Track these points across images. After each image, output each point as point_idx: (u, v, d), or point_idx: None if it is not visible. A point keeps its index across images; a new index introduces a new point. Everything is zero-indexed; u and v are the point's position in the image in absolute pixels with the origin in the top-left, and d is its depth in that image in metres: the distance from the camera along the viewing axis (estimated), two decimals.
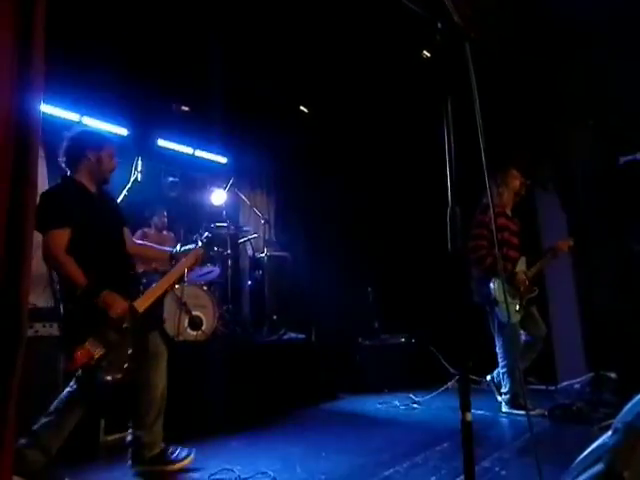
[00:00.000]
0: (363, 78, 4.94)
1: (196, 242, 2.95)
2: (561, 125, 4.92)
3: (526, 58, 4.60)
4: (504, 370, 3.73)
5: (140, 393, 2.61)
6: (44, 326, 3.04)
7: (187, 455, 2.69)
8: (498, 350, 3.78)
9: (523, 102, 4.87)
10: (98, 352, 2.30)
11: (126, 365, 2.39)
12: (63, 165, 2.65)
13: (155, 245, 3.30)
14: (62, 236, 2.39)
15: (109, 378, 2.35)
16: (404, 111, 5.28)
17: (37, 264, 4.32)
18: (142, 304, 2.52)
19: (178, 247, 2.94)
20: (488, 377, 4.01)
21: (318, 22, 4.22)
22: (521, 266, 3.83)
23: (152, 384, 2.62)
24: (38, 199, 2.34)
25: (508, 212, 3.95)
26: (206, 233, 3.06)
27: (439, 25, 1.34)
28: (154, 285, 2.67)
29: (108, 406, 3.14)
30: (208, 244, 2.96)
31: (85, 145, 2.62)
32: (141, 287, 2.97)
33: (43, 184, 4.49)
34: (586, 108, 4.65)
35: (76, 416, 2.48)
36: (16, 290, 1.27)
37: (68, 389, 2.50)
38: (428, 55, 4.50)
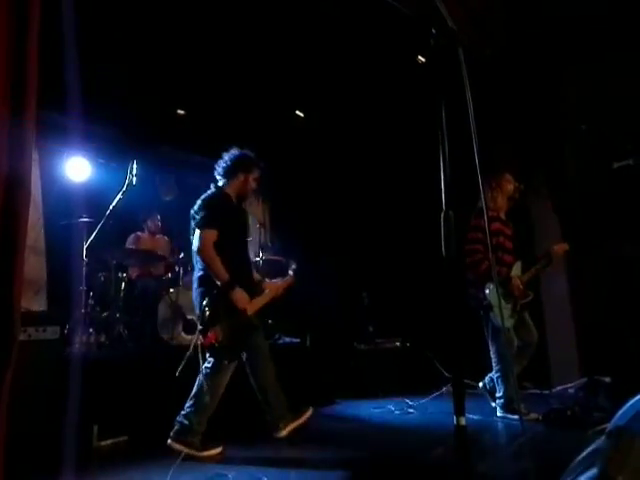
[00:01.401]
0: (358, 83, 4.96)
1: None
2: (554, 130, 4.96)
3: (520, 63, 4.64)
4: (498, 375, 3.73)
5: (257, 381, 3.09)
6: (37, 330, 3.02)
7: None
8: (492, 355, 3.78)
9: (517, 107, 4.90)
10: (222, 336, 2.81)
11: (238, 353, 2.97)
12: (217, 175, 3.21)
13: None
14: (212, 235, 2.93)
15: (226, 362, 2.93)
16: (399, 116, 5.30)
17: (30, 268, 4.32)
18: (251, 308, 3.02)
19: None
20: (480, 384, 3.99)
21: (314, 27, 4.24)
22: (516, 271, 3.84)
23: (264, 374, 3.12)
24: (199, 203, 3.02)
25: (502, 216, 3.96)
26: (293, 265, 3.91)
27: (433, 30, 1.35)
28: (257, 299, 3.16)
29: (101, 412, 3.13)
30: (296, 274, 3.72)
31: (240, 166, 3.19)
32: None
33: (36, 187, 4.49)
34: (579, 113, 4.69)
35: (218, 386, 2.96)
36: (8, 294, 1.26)
37: (200, 373, 2.93)
38: (423, 60, 4.52)
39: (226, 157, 3.21)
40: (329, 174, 6.04)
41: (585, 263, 4.57)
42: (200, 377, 2.92)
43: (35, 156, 4.29)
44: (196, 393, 2.94)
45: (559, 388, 4.21)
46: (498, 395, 3.73)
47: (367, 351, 5.18)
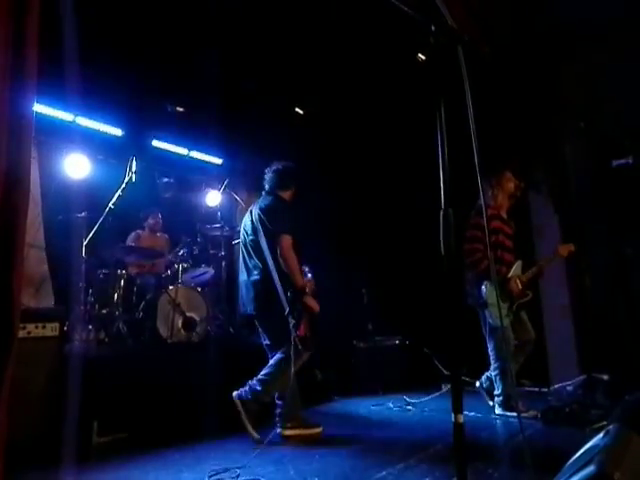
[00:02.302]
0: (358, 80, 4.95)
1: None
2: (554, 128, 4.95)
3: (520, 61, 4.64)
4: (496, 372, 3.73)
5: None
6: (36, 327, 3.03)
7: None
8: (490, 352, 3.78)
9: (517, 105, 4.89)
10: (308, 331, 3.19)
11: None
12: (272, 184, 3.52)
13: None
14: (290, 240, 3.21)
15: (306, 353, 3.21)
16: (399, 113, 5.29)
17: (29, 265, 4.32)
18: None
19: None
20: (477, 383, 4.00)
21: (314, 24, 4.23)
22: (516, 270, 3.82)
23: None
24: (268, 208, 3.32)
25: (503, 214, 3.95)
26: (307, 268, 4.41)
27: (433, 28, 1.35)
28: None
29: (100, 409, 3.13)
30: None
31: (293, 180, 3.57)
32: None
33: (35, 184, 4.48)
34: (579, 111, 4.69)
35: (288, 373, 3.14)
36: (8, 291, 1.26)
37: (278, 355, 3.22)
38: (423, 58, 4.51)
39: (280, 168, 3.55)
40: (328, 171, 6.03)
41: (584, 261, 4.57)
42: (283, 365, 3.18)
43: (34, 153, 4.28)
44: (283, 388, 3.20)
45: (557, 386, 4.22)
46: (496, 393, 3.74)
47: (366, 348, 5.19)
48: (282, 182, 3.52)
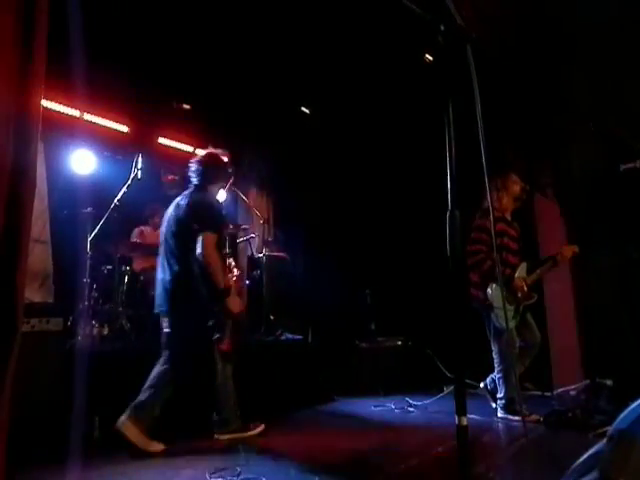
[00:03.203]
0: (365, 80, 4.94)
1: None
2: (562, 130, 4.92)
3: (528, 61, 4.61)
4: (500, 375, 3.72)
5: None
6: (40, 321, 3.03)
7: None
8: (494, 355, 3.76)
9: (524, 106, 4.87)
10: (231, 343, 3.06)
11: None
12: (199, 174, 3.27)
13: None
14: (214, 239, 3.01)
15: (230, 365, 3.11)
16: (404, 113, 5.28)
17: (35, 260, 4.33)
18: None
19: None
20: (481, 384, 3.99)
21: (321, 24, 4.23)
22: (521, 272, 3.81)
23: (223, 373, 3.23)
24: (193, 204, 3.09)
25: (507, 217, 3.93)
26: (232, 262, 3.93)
27: (441, 27, 1.34)
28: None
29: (102, 404, 3.14)
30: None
31: (224, 174, 3.41)
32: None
33: (42, 180, 4.49)
34: (588, 114, 4.66)
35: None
36: (12, 285, 1.26)
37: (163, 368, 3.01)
38: (430, 59, 4.50)
39: (209, 161, 3.31)
40: (334, 171, 6.03)
41: (589, 265, 4.54)
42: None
43: (41, 147, 4.30)
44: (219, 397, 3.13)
45: (560, 390, 4.18)
46: (499, 396, 3.72)
47: (369, 349, 5.18)
48: (212, 176, 3.30)
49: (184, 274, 3.03)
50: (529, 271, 3.83)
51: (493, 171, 3.49)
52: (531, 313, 3.84)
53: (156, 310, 3.17)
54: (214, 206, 3.23)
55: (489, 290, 3.67)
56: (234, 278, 3.61)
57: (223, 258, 3.20)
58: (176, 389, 3.01)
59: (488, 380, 3.93)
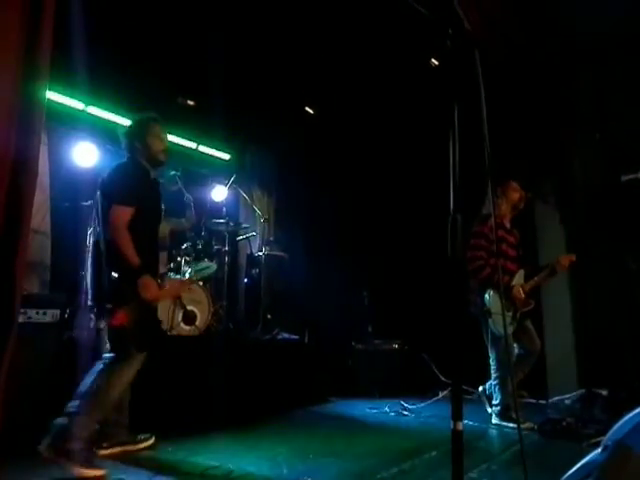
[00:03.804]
0: (370, 82, 4.94)
1: None
2: (565, 139, 4.93)
3: (532, 70, 4.61)
4: (496, 382, 3.72)
5: None
6: (37, 313, 3.03)
7: None
8: (491, 362, 3.77)
9: (527, 113, 4.87)
10: (128, 321, 2.53)
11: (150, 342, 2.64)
12: (123, 142, 2.93)
13: None
14: (127, 213, 2.61)
15: (134, 350, 2.56)
16: (407, 116, 5.28)
17: (34, 251, 4.32)
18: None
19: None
20: (480, 388, 4.00)
21: (328, 25, 4.23)
22: (519, 279, 3.81)
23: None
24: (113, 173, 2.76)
25: (506, 224, 3.94)
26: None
27: (450, 31, 1.33)
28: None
29: None
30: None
31: (144, 136, 2.92)
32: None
33: (44, 171, 4.49)
34: (591, 123, 4.66)
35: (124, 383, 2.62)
36: (10, 275, 1.26)
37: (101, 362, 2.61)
38: (436, 63, 4.50)
39: (130, 125, 2.98)
40: (336, 172, 6.03)
41: (588, 275, 4.55)
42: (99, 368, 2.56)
43: (45, 138, 4.29)
44: (87, 391, 2.50)
45: (555, 398, 4.17)
46: (494, 402, 3.72)
47: (365, 351, 5.18)
48: (132, 141, 2.90)
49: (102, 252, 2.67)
50: (527, 278, 3.84)
51: (494, 177, 3.49)
52: (531, 320, 3.85)
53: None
54: (131, 175, 2.78)
55: (487, 296, 3.68)
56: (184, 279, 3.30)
57: (155, 243, 2.81)
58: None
59: (487, 385, 3.94)
